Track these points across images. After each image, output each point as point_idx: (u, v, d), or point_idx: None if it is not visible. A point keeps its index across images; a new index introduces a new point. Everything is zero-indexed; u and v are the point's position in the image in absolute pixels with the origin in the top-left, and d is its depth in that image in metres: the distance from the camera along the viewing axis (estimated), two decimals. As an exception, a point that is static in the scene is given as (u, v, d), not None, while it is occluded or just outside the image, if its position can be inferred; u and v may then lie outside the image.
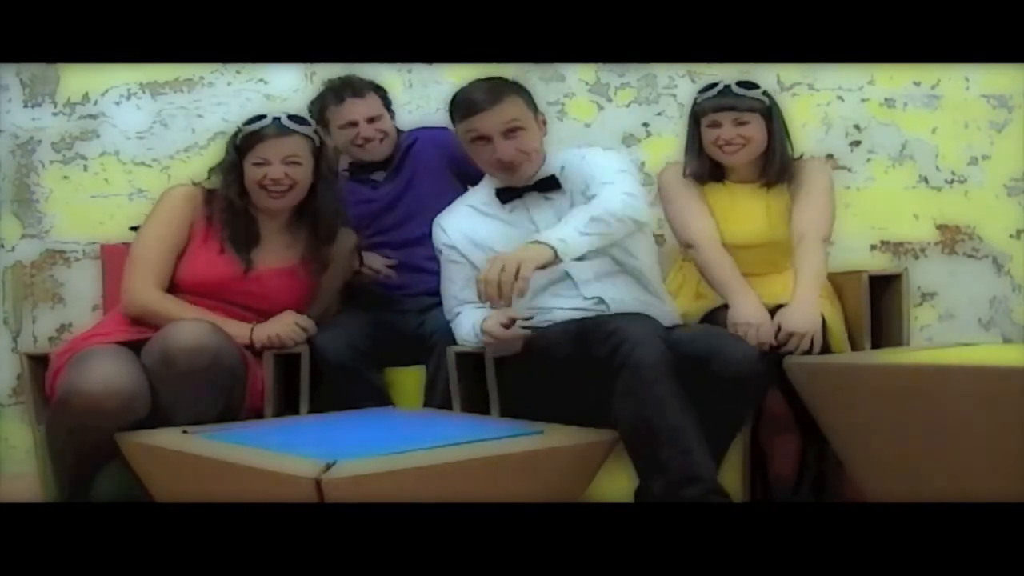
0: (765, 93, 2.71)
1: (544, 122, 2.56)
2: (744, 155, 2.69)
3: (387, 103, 2.97)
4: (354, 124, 2.89)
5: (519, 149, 2.46)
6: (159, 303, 2.47)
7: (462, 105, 2.48)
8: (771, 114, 2.70)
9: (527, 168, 2.50)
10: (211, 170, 2.61)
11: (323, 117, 2.89)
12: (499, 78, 2.53)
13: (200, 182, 2.60)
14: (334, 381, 2.58)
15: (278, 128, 2.52)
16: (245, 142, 2.53)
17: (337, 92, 2.91)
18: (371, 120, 2.89)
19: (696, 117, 2.73)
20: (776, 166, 2.71)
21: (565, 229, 2.30)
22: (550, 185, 2.52)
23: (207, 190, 2.58)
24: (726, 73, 2.79)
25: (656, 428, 2.12)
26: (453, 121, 2.52)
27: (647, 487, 2.15)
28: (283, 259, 2.61)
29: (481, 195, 2.61)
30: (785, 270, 2.75)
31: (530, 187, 2.53)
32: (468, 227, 2.56)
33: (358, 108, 2.89)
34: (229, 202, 2.53)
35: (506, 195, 2.54)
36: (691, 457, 2.12)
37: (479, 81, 2.52)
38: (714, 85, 2.70)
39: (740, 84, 2.68)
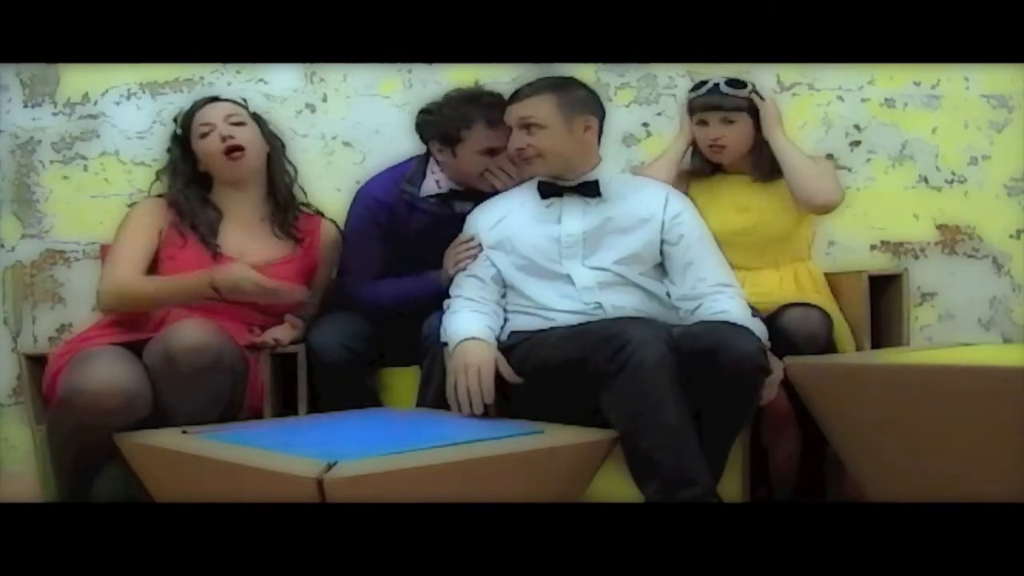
0: (754, 91, 2.74)
1: (587, 128, 2.52)
2: (728, 156, 2.75)
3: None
4: (494, 152, 2.63)
5: (530, 144, 2.48)
6: (132, 283, 2.49)
7: (516, 90, 2.56)
8: (759, 112, 2.73)
9: (539, 166, 2.51)
10: (159, 172, 2.70)
11: (456, 134, 2.63)
12: (551, 77, 2.58)
13: (161, 194, 2.68)
14: (327, 381, 2.57)
15: (209, 99, 2.69)
16: (185, 122, 2.65)
17: (490, 111, 2.62)
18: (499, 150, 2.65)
19: (689, 113, 2.78)
20: (766, 163, 2.75)
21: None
22: (590, 191, 2.54)
23: (170, 199, 2.64)
24: (726, 73, 2.79)
25: (652, 429, 2.12)
26: None
27: (642, 489, 2.16)
28: (268, 252, 2.64)
29: (524, 189, 2.63)
30: (783, 265, 2.75)
31: (571, 188, 2.54)
32: (497, 217, 2.59)
33: (505, 136, 2.58)
34: (181, 195, 2.61)
35: (546, 190, 2.56)
36: (686, 460, 2.12)
37: (538, 78, 2.58)
38: (704, 83, 2.75)
39: (728, 83, 2.73)
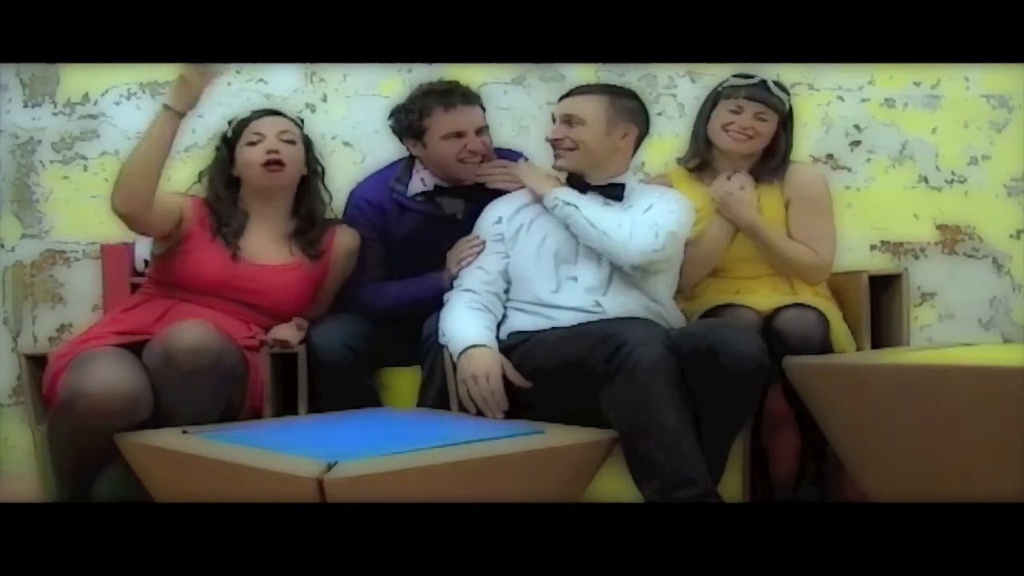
0: (790, 100, 2.76)
1: (626, 135, 2.60)
2: (749, 147, 2.72)
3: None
4: (461, 135, 2.69)
5: (568, 136, 2.56)
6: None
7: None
8: (787, 122, 2.76)
9: (569, 158, 2.58)
10: (201, 173, 2.69)
11: (420, 123, 2.71)
12: (608, 83, 2.71)
13: (193, 192, 2.67)
14: (328, 381, 2.57)
15: (269, 111, 2.70)
16: (238, 128, 2.65)
17: (445, 97, 2.69)
18: (479, 132, 2.71)
19: (716, 98, 2.75)
20: (772, 167, 2.75)
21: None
22: (613, 193, 2.59)
23: (200, 198, 2.64)
24: (726, 73, 2.79)
25: (650, 429, 2.13)
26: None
27: (641, 489, 2.16)
28: (280, 256, 2.63)
29: None
30: (777, 271, 2.75)
31: (596, 187, 2.59)
32: (518, 205, 2.64)
33: (469, 117, 2.70)
34: (217, 195, 2.62)
35: (573, 186, 2.60)
36: (686, 460, 2.13)
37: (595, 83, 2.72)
38: (751, 76, 2.74)
39: (776, 83, 2.74)
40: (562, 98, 2.63)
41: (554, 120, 2.62)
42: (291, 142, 2.63)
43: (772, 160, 2.75)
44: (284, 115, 2.70)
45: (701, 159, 2.80)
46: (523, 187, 2.70)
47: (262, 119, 2.65)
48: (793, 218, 2.74)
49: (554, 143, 2.59)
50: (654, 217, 2.52)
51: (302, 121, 2.73)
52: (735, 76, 2.76)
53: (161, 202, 2.47)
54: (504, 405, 2.38)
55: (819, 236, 2.72)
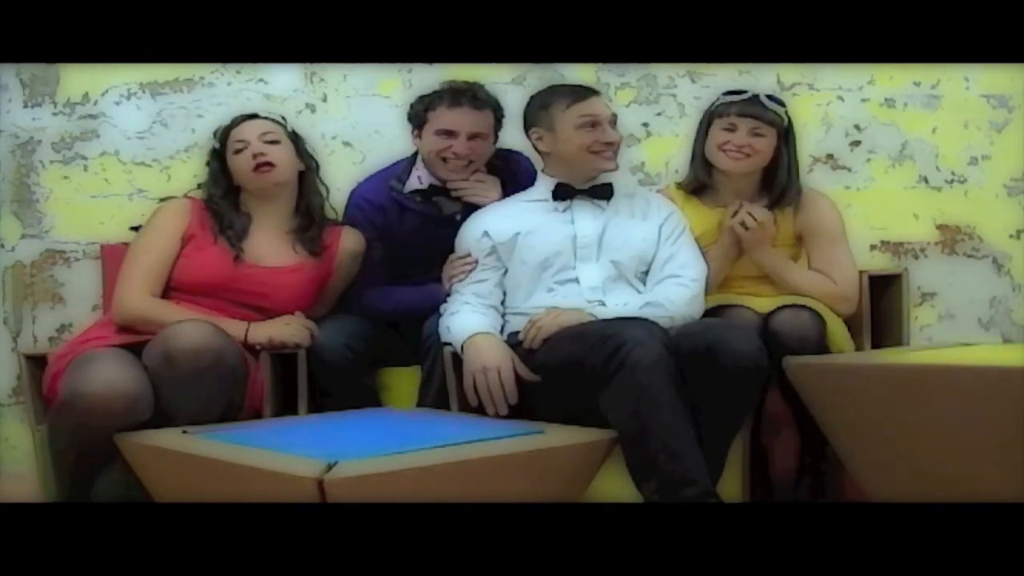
0: (787, 113, 2.71)
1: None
2: (747, 165, 2.67)
3: (497, 127, 2.76)
4: (451, 134, 2.68)
5: (620, 137, 2.60)
6: (148, 308, 2.50)
7: (575, 89, 2.62)
8: (787, 136, 2.70)
9: (614, 159, 2.59)
10: (200, 184, 2.72)
11: (424, 115, 2.71)
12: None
13: (193, 194, 2.69)
14: (329, 381, 2.57)
15: (247, 116, 2.70)
16: (223, 138, 2.67)
17: (456, 95, 2.69)
18: (472, 137, 2.69)
19: (710, 118, 2.71)
20: (778, 188, 2.70)
21: (619, 307, 2.47)
22: (604, 193, 2.61)
23: (201, 200, 2.66)
24: (726, 73, 2.79)
25: (650, 429, 2.13)
26: (549, 107, 2.59)
27: (640, 489, 2.16)
28: (283, 258, 2.63)
29: (533, 192, 2.68)
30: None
31: (585, 190, 2.60)
32: (506, 213, 2.63)
33: (466, 119, 2.68)
34: (217, 203, 2.63)
35: (563, 193, 2.60)
36: (685, 459, 2.13)
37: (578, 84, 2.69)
38: (742, 92, 2.69)
39: (769, 97, 2.69)
40: (580, 100, 2.57)
41: (592, 123, 2.54)
42: (275, 142, 2.63)
43: (777, 178, 2.69)
44: (264, 116, 2.69)
45: (701, 183, 2.75)
46: (495, 201, 2.70)
47: (241, 126, 2.65)
48: (809, 252, 2.75)
49: (617, 144, 2.58)
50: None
51: (284, 119, 2.73)
52: (726, 93, 2.71)
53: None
54: (514, 399, 2.36)
55: (837, 267, 2.69)
